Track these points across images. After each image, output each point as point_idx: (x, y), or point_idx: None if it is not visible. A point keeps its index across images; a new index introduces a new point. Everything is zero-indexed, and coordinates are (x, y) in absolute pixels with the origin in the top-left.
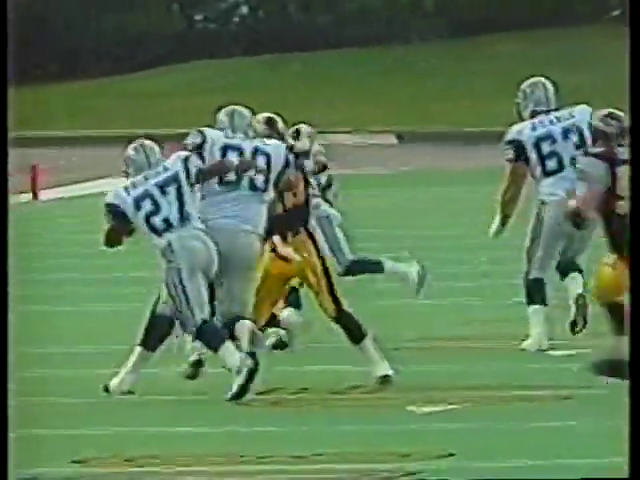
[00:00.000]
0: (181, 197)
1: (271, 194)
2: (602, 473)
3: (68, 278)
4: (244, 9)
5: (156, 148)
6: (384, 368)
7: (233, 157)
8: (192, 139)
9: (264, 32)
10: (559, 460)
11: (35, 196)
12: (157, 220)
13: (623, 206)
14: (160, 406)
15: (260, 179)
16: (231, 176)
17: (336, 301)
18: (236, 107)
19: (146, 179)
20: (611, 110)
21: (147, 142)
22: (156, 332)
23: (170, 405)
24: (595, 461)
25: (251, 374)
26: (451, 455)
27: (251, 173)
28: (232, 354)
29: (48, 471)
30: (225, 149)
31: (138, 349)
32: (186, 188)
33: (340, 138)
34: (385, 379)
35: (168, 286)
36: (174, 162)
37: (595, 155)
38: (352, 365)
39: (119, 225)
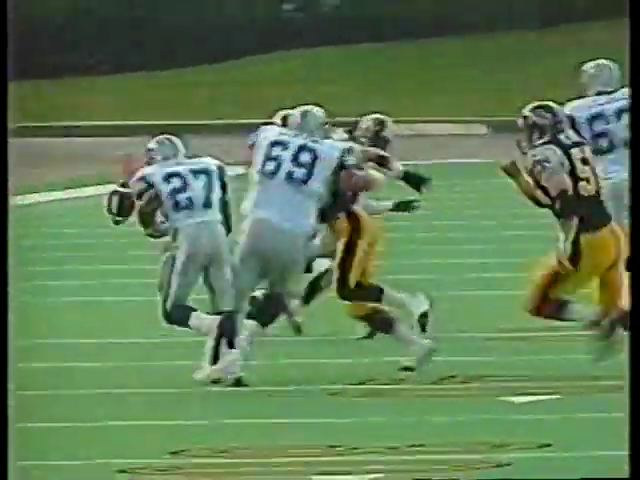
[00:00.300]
0: (210, 186)
1: (315, 188)
2: None
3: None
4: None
5: (179, 143)
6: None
7: (277, 152)
8: (251, 139)
9: (353, 22)
10: None
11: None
12: (182, 197)
13: (585, 187)
14: (255, 397)
15: (300, 172)
16: (269, 166)
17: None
18: (310, 108)
19: (178, 164)
20: (544, 103)
21: (172, 137)
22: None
23: (264, 396)
24: None
25: (220, 337)
26: (547, 446)
27: (289, 165)
28: (203, 319)
29: (144, 462)
30: (272, 144)
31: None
32: (216, 182)
33: (429, 128)
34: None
35: (163, 264)
36: (209, 160)
37: (548, 142)
38: (445, 356)
39: (145, 203)
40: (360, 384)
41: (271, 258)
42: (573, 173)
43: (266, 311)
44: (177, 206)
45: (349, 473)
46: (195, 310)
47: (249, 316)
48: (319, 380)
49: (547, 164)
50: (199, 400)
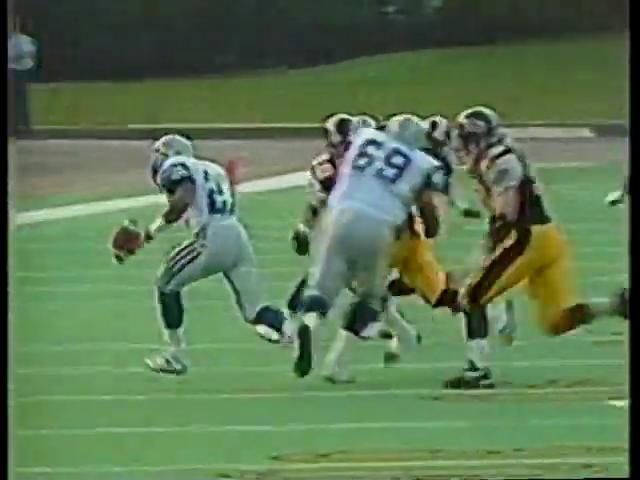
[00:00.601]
0: (232, 191)
1: (403, 189)
2: None
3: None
4: (436, 1)
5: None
6: None
7: (371, 150)
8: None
9: (456, 25)
10: None
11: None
12: (219, 199)
13: (538, 187)
14: (352, 401)
15: (391, 171)
16: (360, 161)
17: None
18: (409, 117)
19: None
20: (476, 110)
21: (179, 138)
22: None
23: (361, 400)
24: None
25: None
26: None
27: (380, 164)
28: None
29: (243, 467)
30: (368, 143)
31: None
32: (232, 189)
33: (534, 132)
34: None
35: (180, 250)
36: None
37: (507, 151)
38: (549, 359)
39: (187, 184)
40: (456, 388)
41: (357, 246)
42: (526, 175)
43: (361, 319)
44: (213, 206)
45: (449, 477)
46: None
47: (346, 327)
48: (419, 384)
49: (510, 176)
50: (299, 404)
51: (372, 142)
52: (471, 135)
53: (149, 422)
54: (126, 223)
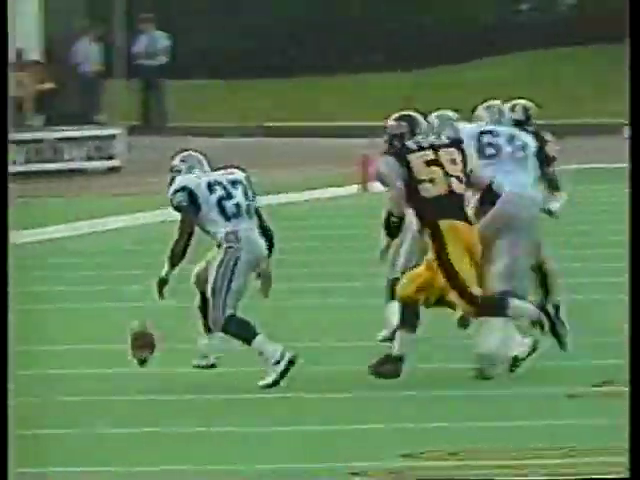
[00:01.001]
0: (247, 195)
1: (533, 171)
2: None
3: None
4: None
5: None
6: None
7: (489, 139)
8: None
9: (590, 22)
10: None
11: (365, 187)
12: (229, 204)
13: (429, 188)
14: (483, 400)
15: (519, 154)
16: (490, 150)
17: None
18: (496, 103)
19: (212, 175)
20: (404, 112)
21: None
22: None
23: (493, 399)
24: None
25: (289, 365)
26: None
27: (510, 149)
28: (269, 345)
29: (374, 465)
30: (482, 134)
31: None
32: (249, 190)
33: None
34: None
35: (219, 268)
36: (237, 173)
37: (385, 152)
38: None
39: (187, 212)
40: (596, 386)
41: (530, 227)
42: (411, 177)
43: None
44: (225, 213)
45: (591, 474)
46: (256, 331)
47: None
48: (556, 381)
49: (381, 176)
50: (429, 403)
51: (487, 132)
52: (395, 136)
53: (181, 421)
54: (135, 326)
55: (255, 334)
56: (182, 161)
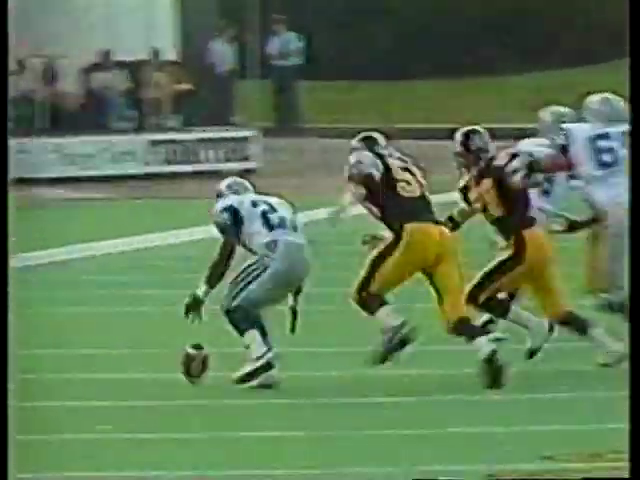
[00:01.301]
0: (294, 212)
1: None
2: None
3: None
4: None
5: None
6: None
7: (604, 143)
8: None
9: None
10: None
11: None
12: (273, 215)
13: (403, 187)
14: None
15: (608, 158)
16: (607, 157)
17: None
18: (609, 96)
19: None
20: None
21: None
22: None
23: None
24: None
25: (265, 367)
26: None
27: (624, 153)
28: (258, 343)
29: (514, 467)
30: (595, 138)
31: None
32: (297, 212)
33: None
34: None
35: (248, 267)
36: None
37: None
38: None
39: (230, 232)
40: None
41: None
42: (388, 175)
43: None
44: (269, 223)
45: None
46: (255, 325)
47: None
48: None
49: (360, 165)
50: (570, 403)
51: (600, 136)
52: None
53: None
54: (190, 350)
55: (251, 328)
56: (228, 187)
